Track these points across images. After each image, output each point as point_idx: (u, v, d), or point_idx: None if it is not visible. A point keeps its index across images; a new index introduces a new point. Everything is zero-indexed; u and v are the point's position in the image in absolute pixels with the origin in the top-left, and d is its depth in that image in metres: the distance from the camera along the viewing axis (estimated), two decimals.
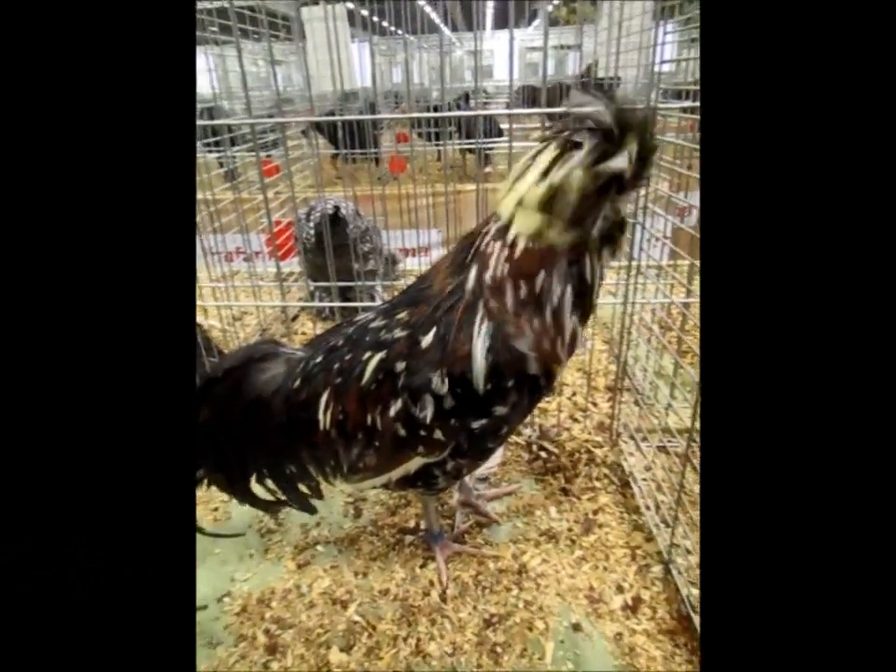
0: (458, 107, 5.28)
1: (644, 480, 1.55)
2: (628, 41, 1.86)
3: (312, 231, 2.39)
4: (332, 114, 3.75)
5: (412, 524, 1.53)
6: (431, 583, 1.35)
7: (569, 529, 1.48)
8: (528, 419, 1.86)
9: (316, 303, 2.62)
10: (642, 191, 1.52)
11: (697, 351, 1.13)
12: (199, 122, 1.77)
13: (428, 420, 1.00)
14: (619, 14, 1.77)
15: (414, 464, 1.11)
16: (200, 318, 1.97)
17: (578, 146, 0.82)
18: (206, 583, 1.37)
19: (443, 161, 3.76)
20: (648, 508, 1.46)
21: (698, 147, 1.61)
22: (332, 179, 4.97)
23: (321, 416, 1.12)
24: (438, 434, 1.02)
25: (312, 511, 1.28)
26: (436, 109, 4.22)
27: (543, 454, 1.76)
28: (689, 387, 1.81)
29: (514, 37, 1.41)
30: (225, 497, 1.64)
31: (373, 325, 1.09)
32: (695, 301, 1.64)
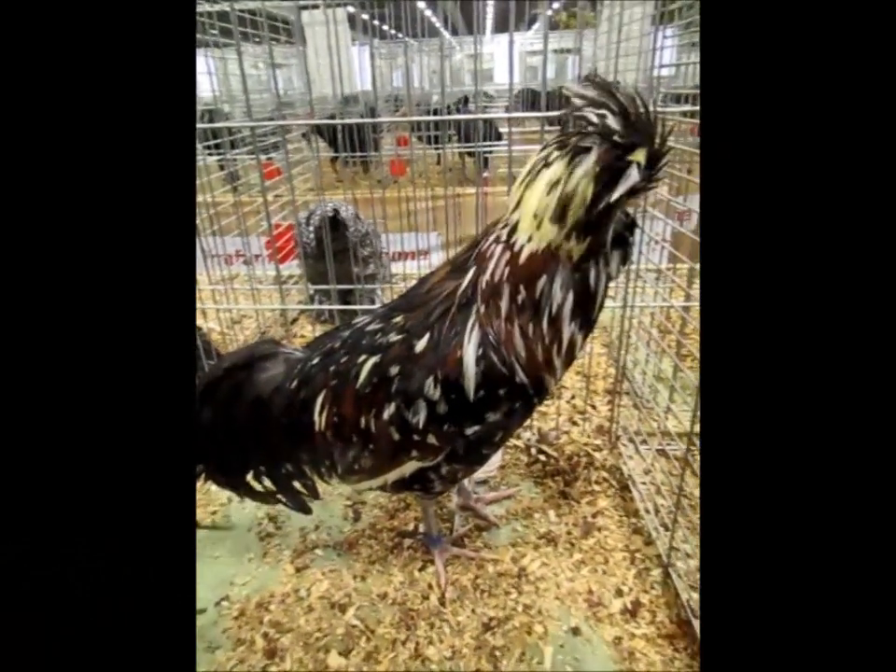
0: (458, 111, 5.29)
1: (643, 483, 1.55)
2: (628, 45, 1.87)
3: (312, 236, 2.40)
4: (333, 117, 3.76)
5: (410, 527, 1.53)
6: (430, 587, 1.35)
7: (568, 533, 1.48)
8: (527, 422, 1.85)
9: (316, 306, 2.62)
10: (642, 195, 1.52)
11: (697, 355, 1.13)
12: (199, 125, 1.78)
13: (421, 425, 0.99)
14: (619, 18, 1.78)
15: (409, 468, 1.11)
16: (199, 321, 1.97)
17: (586, 151, 0.80)
18: (205, 587, 1.37)
19: (443, 165, 3.77)
20: (647, 511, 1.46)
21: (697, 151, 1.61)
22: (332, 183, 4.98)
23: (317, 418, 1.12)
24: (431, 439, 1.01)
25: (307, 511, 1.28)
26: (436, 113, 4.23)
27: (542, 457, 1.76)
28: (688, 391, 1.81)
29: (514, 41, 1.42)
30: (224, 500, 1.64)
31: (370, 328, 1.09)
32: (695, 304, 1.65)
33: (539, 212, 0.85)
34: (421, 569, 1.40)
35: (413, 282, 1.17)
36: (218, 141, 2.46)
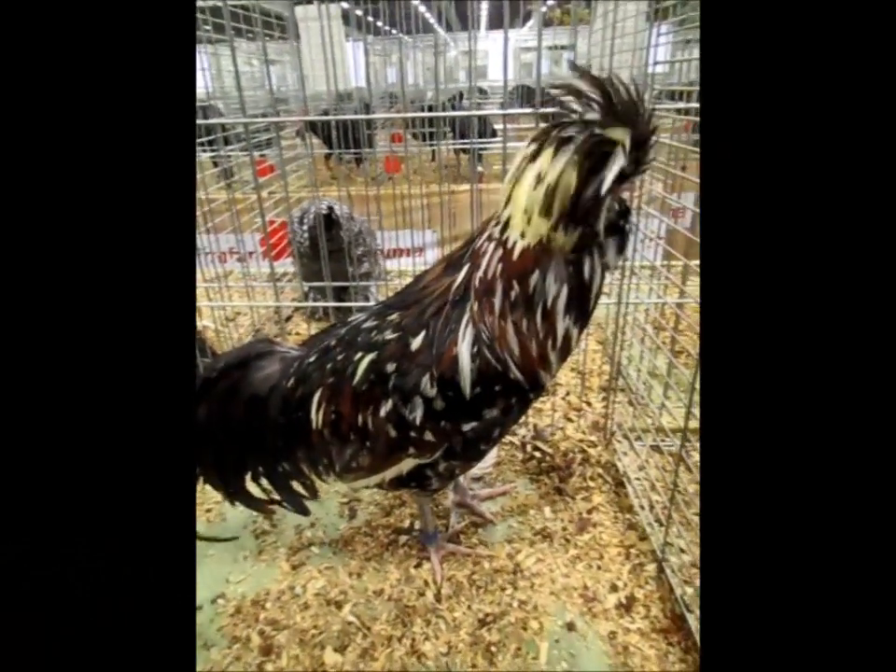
0: (453, 107, 5.28)
1: (638, 479, 1.56)
2: (622, 42, 1.87)
3: (306, 235, 2.38)
4: (327, 114, 3.74)
5: (406, 524, 1.53)
6: (426, 583, 1.35)
7: (564, 529, 1.49)
8: (522, 419, 1.86)
9: (310, 304, 2.61)
10: (636, 192, 1.53)
11: (691, 351, 1.13)
12: None
13: (418, 422, 1.00)
14: (613, 15, 1.78)
15: (407, 465, 1.11)
16: None
17: (569, 141, 0.80)
18: (201, 585, 1.37)
19: (438, 162, 3.77)
20: (642, 507, 1.47)
21: (692, 148, 1.61)
22: (327, 180, 4.97)
23: (314, 416, 1.12)
24: (428, 436, 1.02)
25: (306, 512, 1.27)
26: (430, 109, 4.22)
27: (538, 453, 1.76)
28: (682, 387, 1.82)
29: (509, 38, 1.42)
30: (219, 497, 1.63)
31: (366, 326, 1.09)
32: (689, 301, 1.65)
33: (528, 207, 0.85)
34: (417, 566, 1.40)
35: (409, 279, 1.17)
36: (212, 137, 2.45)
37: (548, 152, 0.82)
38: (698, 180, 1.18)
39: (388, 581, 1.36)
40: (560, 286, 0.89)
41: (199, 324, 2.32)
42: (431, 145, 4.28)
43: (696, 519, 1.36)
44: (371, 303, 2.01)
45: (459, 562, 1.41)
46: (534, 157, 0.84)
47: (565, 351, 0.96)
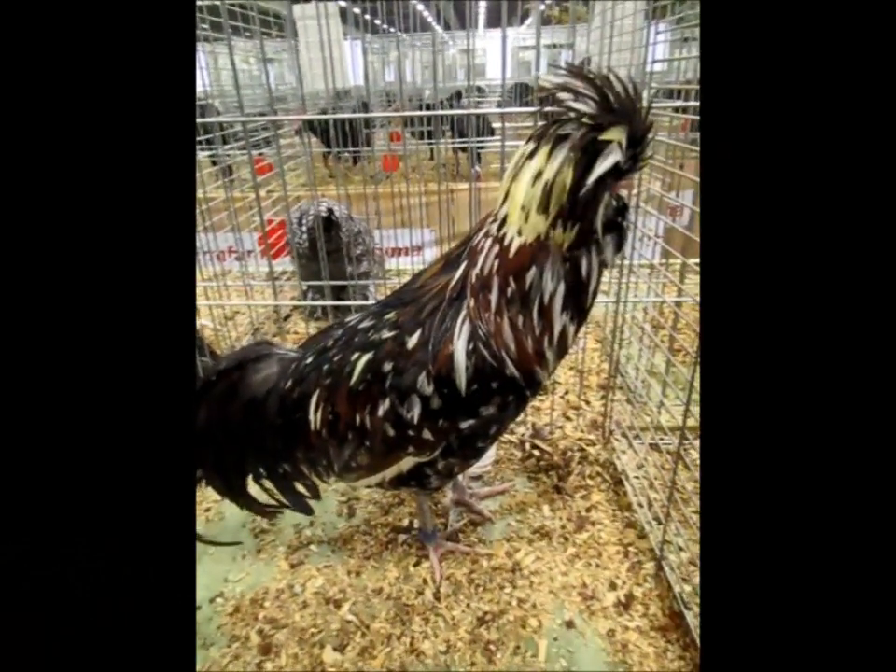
0: (451, 106, 5.28)
1: (636, 477, 1.56)
2: (620, 40, 1.87)
3: (305, 237, 2.38)
4: (325, 113, 3.74)
5: (405, 522, 1.53)
6: (425, 582, 1.35)
7: (562, 527, 1.49)
8: (521, 417, 1.86)
9: (309, 302, 2.61)
10: (634, 191, 1.53)
11: (689, 349, 1.13)
12: None
13: (416, 420, 1.00)
14: (611, 14, 1.78)
15: (406, 463, 1.11)
16: None
17: (565, 138, 0.80)
18: (199, 584, 1.37)
19: (436, 160, 3.76)
20: (640, 505, 1.47)
21: (690, 146, 1.61)
22: (325, 178, 4.96)
23: (312, 416, 1.12)
24: (427, 434, 1.02)
25: (309, 512, 1.27)
26: (428, 108, 4.21)
27: (536, 452, 1.76)
28: (681, 385, 1.82)
29: (507, 36, 1.42)
30: (218, 497, 1.63)
31: (362, 325, 1.09)
32: (687, 299, 1.65)
33: (526, 204, 0.86)
34: (416, 565, 1.41)
35: (407, 278, 1.17)
36: (210, 136, 2.45)
37: (545, 150, 0.82)
38: (696, 178, 1.18)
39: (387, 580, 1.36)
40: (557, 282, 0.89)
41: (197, 323, 2.32)
42: (429, 143, 4.28)
43: (695, 517, 1.36)
44: (370, 302, 2.01)
45: (458, 560, 1.41)
46: (531, 154, 0.84)
47: (562, 348, 0.96)
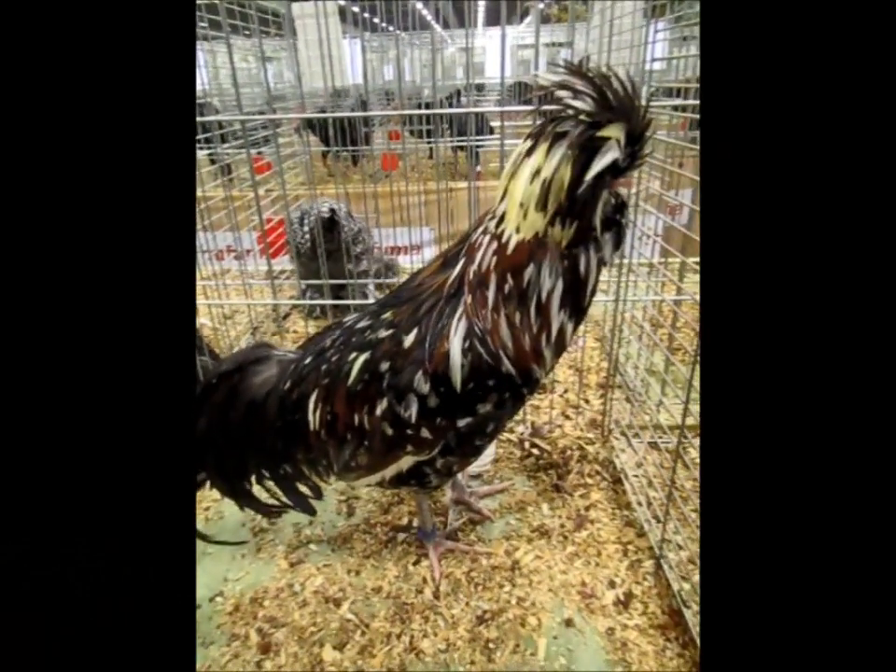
0: (450, 105, 5.27)
1: (635, 476, 1.56)
2: (619, 39, 1.87)
3: (307, 237, 2.38)
4: (324, 111, 3.73)
5: (404, 521, 1.53)
6: (424, 581, 1.35)
7: (562, 526, 1.49)
8: (520, 416, 1.86)
9: (308, 301, 2.61)
10: (633, 189, 1.53)
11: (688, 348, 1.14)
12: None
13: (414, 419, 1.00)
14: (610, 12, 1.78)
15: (406, 462, 1.12)
16: None
17: (564, 136, 0.80)
18: (199, 583, 1.37)
19: (435, 159, 3.76)
20: (639, 504, 1.47)
21: (689, 145, 1.61)
22: (324, 177, 4.95)
23: (311, 417, 1.12)
24: (425, 433, 1.02)
25: (312, 512, 1.28)
26: (427, 106, 4.21)
27: (535, 451, 1.77)
28: (680, 384, 1.82)
29: (506, 35, 1.41)
30: (217, 496, 1.63)
31: (360, 325, 1.09)
32: (686, 298, 1.65)
33: (524, 201, 0.86)
34: (415, 563, 1.41)
35: (406, 277, 1.17)
36: (209, 135, 2.44)
37: (543, 147, 0.82)
38: (695, 177, 1.18)
39: (387, 579, 1.36)
40: (555, 280, 0.89)
41: (196, 321, 2.31)
42: (429, 142, 4.27)
43: (694, 515, 1.36)
44: (370, 301, 2.01)
45: (457, 559, 1.41)
46: (529, 152, 0.84)
47: (559, 346, 0.96)
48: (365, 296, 2.60)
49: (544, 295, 0.89)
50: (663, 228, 1.73)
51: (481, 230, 0.95)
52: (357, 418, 1.06)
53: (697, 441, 1.31)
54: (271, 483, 1.25)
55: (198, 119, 2.23)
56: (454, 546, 1.43)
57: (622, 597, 1.28)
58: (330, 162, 5.06)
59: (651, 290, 1.83)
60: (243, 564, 1.43)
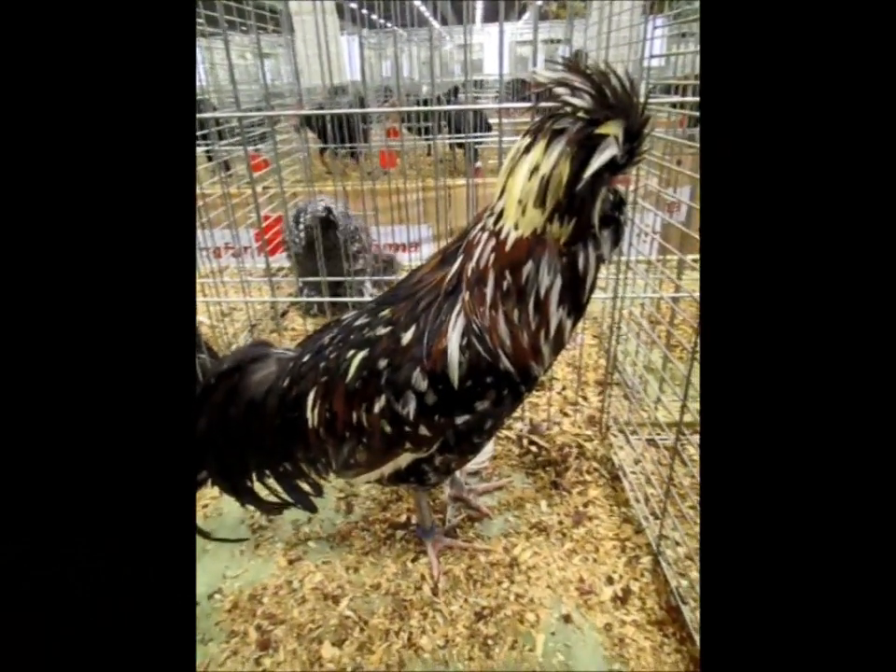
0: (448, 102, 5.26)
1: (633, 473, 1.57)
2: (618, 36, 1.86)
3: (303, 235, 2.37)
4: (321, 108, 3.72)
5: (403, 518, 1.53)
6: (423, 577, 1.36)
7: (560, 522, 1.50)
8: (519, 413, 1.86)
9: (306, 299, 2.61)
10: (632, 187, 1.53)
11: (686, 345, 1.14)
12: None
13: (412, 416, 1.00)
14: (609, 9, 1.77)
15: (404, 460, 1.12)
16: None
17: (562, 133, 0.80)
18: (198, 581, 1.37)
19: (433, 156, 3.75)
20: (637, 500, 1.48)
21: (687, 142, 1.61)
22: (321, 174, 4.94)
23: (309, 415, 1.12)
24: (423, 430, 1.02)
25: (313, 509, 1.28)
26: (426, 103, 4.20)
27: (534, 448, 1.77)
28: (678, 382, 1.83)
29: (504, 31, 1.41)
30: (215, 493, 1.63)
31: (358, 323, 1.09)
32: (684, 295, 1.66)
33: (522, 198, 0.85)
34: (414, 560, 1.41)
35: (405, 274, 1.17)
36: (206, 131, 2.43)
37: (541, 144, 0.82)
38: (693, 174, 1.18)
39: (385, 576, 1.37)
40: (553, 277, 0.89)
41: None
42: (427, 139, 4.26)
43: (691, 512, 1.37)
44: (367, 298, 2.00)
45: (456, 556, 1.41)
46: (527, 149, 0.84)
47: (558, 343, 0.96)
48: (362, 293, 2.60)
49: (543, 292, 0.89)
50: (661, 225, 1.73)
51: (479, 226, 0.95)
52: (355, 416, 1.06)
53: (695, 439, 1.32)
54: (272, 481, 1.25)
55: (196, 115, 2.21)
56: (452, 543, 1.43)
57: (619, 594, 1.29)
58: (328, 160, 5.05)
59: (649, 288, 1.83)
60: (241, 561, 1.43)
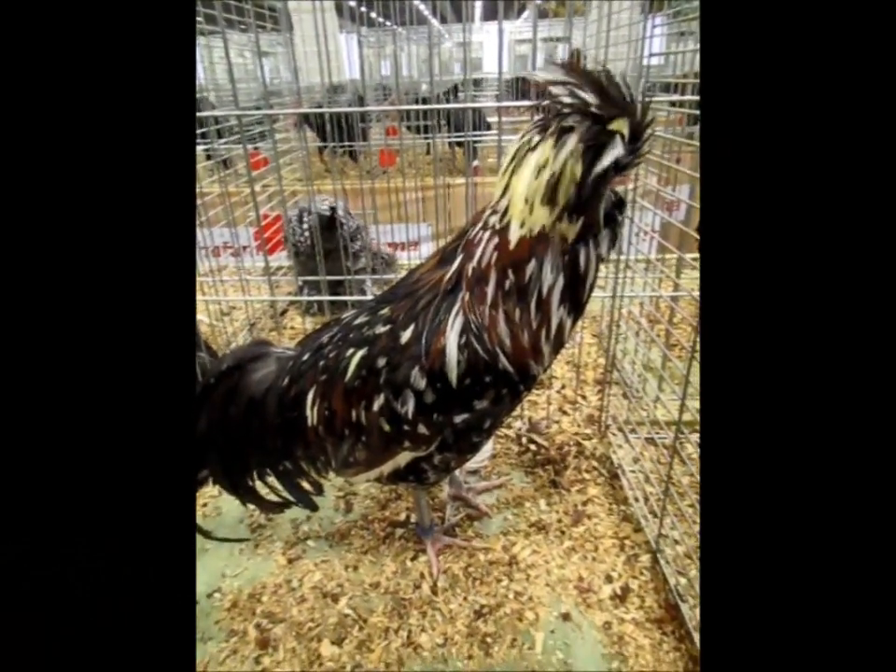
0: (447, 100, 5.25)
1: (632, 471, 1.57)
2: (617, 34, 1.86)
3: (307, 234, 2.36)
4: (320, 106, 3.72)
5: (402, 517, 1.54)
6: (422, 576, 1.36)
7: (559, 521, 1.50)
8: (518, 412, 1.86)
9: (305, 298, 2.60)
10: (631, 186, 1.53)
11: (685, 344, 1.14)
12: None
13: (410, 415, 1.00)
14: (608, 7, 1.77)
15: (403, 458, 1.12)
16: None
17: (570, 130, 0.80)
18: (197, 580, 1.37)
19: (433, 155, 3.75)
20: (636, 499, 1.48)
21: (686, 140, 1.61)
22: (320, 173, 4.94)
23: (309, 413, 1.12)
24: (422, 429, 1.02)
25: (314, 507, 1.28)
26: (425, 102, 4.19)
27: (533, 446, 1.77)
28: (677, 380, 1.83)
29: (503, 30, 1.41)
30: (215, 491, 1.63)
31: (357, 321, 1.09)
32: (683, 294, 1.66)
33: (529, 196, 0.85)
34: (413, 559, 1.41)
35: (404, 273, 1.17)
36: (205, 130, 2.43)
37: (549, 142, 0.81)
38: (692, 173, 1.18)
39: (384, 574, 1.37)
40: (556, 275, 0.88)
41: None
42: (426, 138, 4.26)
43: (690, 510, 1.37)
44: (367, 297, 2.00)
45: (455, 554, 1.41)
46: (532, 146, 0.83)
47: (558, 342, 0.96)
48: (363, 292, 2.60)
49: (545, 290, 0.89)
50: (660, 224, 1.73)
51: (480, 225, 0.94)
52: (354, 414, 1.06)
53: (694, 437, 1.32)
54: (272, 480, 1.25)
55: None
56: (451, 541, 1.43)
57: (618, 592, 1.29)
58: (327, 158, 5.04)
59: (648, 286, 1.83)
60: (241, 560, 1.43)
